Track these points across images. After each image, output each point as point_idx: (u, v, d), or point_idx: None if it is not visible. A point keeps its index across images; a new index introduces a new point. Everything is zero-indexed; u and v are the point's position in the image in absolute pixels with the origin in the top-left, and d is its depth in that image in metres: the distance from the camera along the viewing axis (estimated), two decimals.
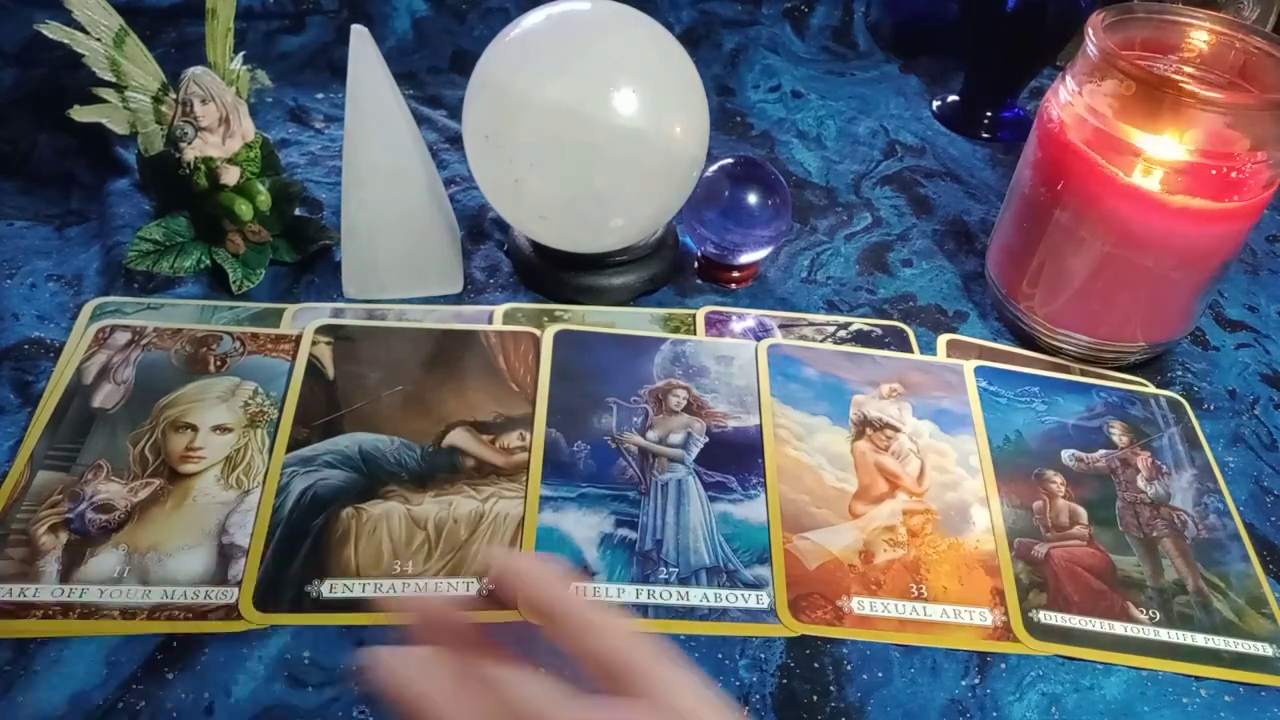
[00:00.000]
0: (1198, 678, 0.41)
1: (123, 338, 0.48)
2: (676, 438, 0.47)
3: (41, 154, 0.61)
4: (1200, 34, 0.51)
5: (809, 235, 0.63)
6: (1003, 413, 0.51)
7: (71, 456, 0.43)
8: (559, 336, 0.51)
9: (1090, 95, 0.49)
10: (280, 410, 0.46)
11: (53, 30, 0.48)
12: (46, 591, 0.38)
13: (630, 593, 0.41)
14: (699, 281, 0.58)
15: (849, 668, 0.39)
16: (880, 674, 0.39)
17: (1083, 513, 0.46)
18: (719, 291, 0.57)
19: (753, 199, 0.54)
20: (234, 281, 0.52)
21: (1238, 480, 0.49)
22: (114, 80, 0.50)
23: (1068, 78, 0.50)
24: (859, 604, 0.41)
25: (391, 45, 0.73)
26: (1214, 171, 0.46)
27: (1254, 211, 0.48)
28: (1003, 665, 0.40)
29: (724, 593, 0.41)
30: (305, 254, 0.55)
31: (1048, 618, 0.42)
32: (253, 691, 0.36)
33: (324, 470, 0.43)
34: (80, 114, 0.50)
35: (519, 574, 0.28)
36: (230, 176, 0.51)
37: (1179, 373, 0.56)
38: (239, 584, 0.39)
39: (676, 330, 0.53)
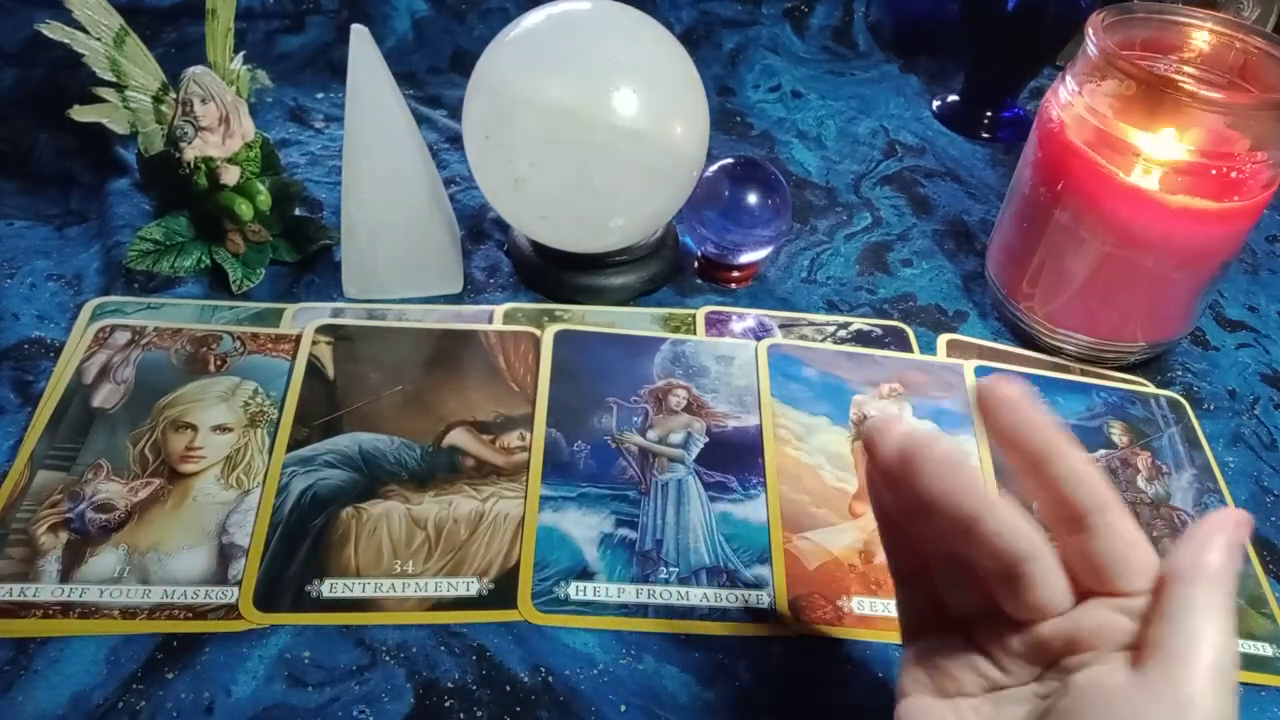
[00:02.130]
0: None
1: (123, 337, 0.48)
2: (676, 438, 0.47)
3: (41, 154, 0.61)
4: (1200, 34, 0.51)
5: (809, 235, 0.63)
6: None
7: (71, 456, 0.43)
8: (559, 336, 0.51)
9: (1090, 95, 0.49)
10: (280, 410, 0.46)
11: (53, 30, 0.48)
12: (46, 591, 0.38)
13: (630, 592, 0.41)
14: (699, 281, 0.58)
15: (849, 668, 0.39)
16: (880, 674, 0.39)
17: None
18: (719, 291, 0.57)
19: (753, 199, 0.54)
20: (234, 281, 0.52)
21: (1238, 480, 0.49)
22: (114, 80, 0.50)
23: (1068, 78, 0.50)
24: (859, 604, 0.41)
25: (391, 45, 0.73)
26: (1214, 171, 0.46)
27: (1254, 211, 0.48)
28: None
29: (724, 593, 0.41)
30: (305, 254, 0.55)
31: None
32: (253, 691, 0.36)
33: (324, 470, 0.43)
34: (80, 114, 0.50)
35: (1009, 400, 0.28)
36: (230, 176, 0.51)
37: (1179, 373, 0.56)
38: (239, 584, 0.39)
39: (676, 330, 0.53)
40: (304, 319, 0.51)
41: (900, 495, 0.30)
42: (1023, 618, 0.28)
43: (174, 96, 0.50)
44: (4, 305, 0.50)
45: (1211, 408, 0.54)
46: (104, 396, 0.46)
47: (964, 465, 0.28)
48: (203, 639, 0.37)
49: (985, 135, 0.75)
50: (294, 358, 0.48)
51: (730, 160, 0.55)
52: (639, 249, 0.55)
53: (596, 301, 0.55)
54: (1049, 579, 0.27)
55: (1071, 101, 0.49)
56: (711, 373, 0.51)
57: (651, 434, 0.47)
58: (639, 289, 0.56)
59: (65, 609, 0.37)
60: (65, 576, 0.38)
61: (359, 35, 0.47)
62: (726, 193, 0.54)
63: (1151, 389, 0.54)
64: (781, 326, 0.55)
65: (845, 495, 0.46)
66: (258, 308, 0.52)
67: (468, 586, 0.40)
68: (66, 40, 0.49)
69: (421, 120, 0.68)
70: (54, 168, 0.60)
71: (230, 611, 0.38)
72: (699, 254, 0.58)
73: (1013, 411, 0.28)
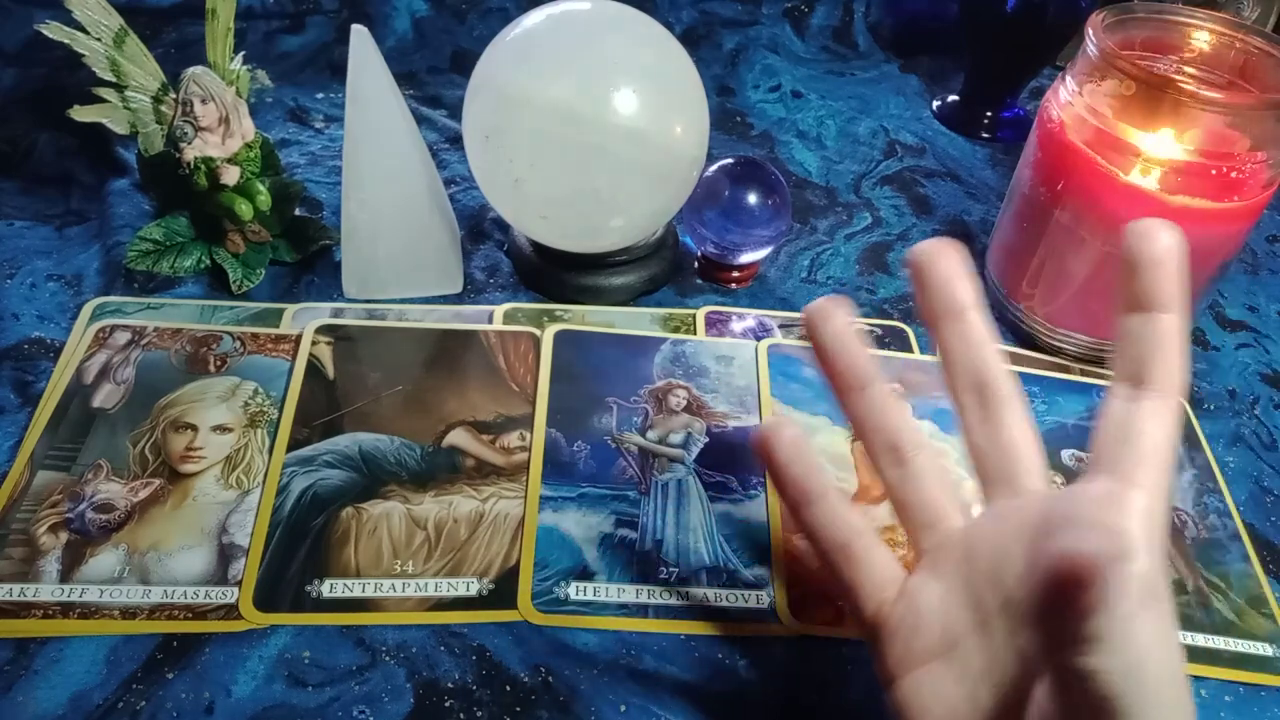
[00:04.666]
0: (1198, 678, 0.41)
1: (123, 337, 0.48)
2: (676, 438, 0.47)
3: (41, 154, 0.61)
4: (1200, 34, 0.51)
5: (809, 235, 0.63)
6: None
7: (71, 456, 0.43)
8: (559, 336, 0.51)
9: (1090, 95, 0.49)
10: (280, 410, 0.46)
11: (53, 30, 0.48)
12: (46, 591, 0.38)
13: (630, 593, 0.41)
14: (699, 281, 0.58)
15: (849, 668, 0.39)
16: None
17: None
18: (719, 291, 0.57)
19: (753, 199, 0.54)
20: (234, 281, 0.52)
21: (1238, 480, 0.49)
22: (114, 80, 0.50)
23: (1068, 78, 0.50)
24: None
25: (391, 45, 0.73)
26: (1214, 171, 0.46)
27: (1254, 211, 0.48)
28: None
29: (724, 593, 0.41)
30: (305, 254, 0.55)
31: None
32: (253, 691, 0.36)
33: (324, 470, 0.43)
34: (80, 114, 0.50)
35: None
36: (230, 176, 0.51)
37: None
38: (239, 584, 0.39)
39: (676, 330, 0.53)
40: (304, 319, 0.51)
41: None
42: (848, 599, 0.32)
43: (174, 96, 0.50)
44: (4, 305, 0.50)
45: (1211, 408, 0.54)
46: (104, 396, 0.46)
47: (811, 457, 0.32)
48: (203, 639, 0.37)
49: (985, 135, 0.75)
50: (294, 358, 0.48)
51: (730, 160, 0.55)
52: (639, 249, 0.55)
53: (596, 301, 0.55)
54: (875, 555, 0.31)
55: (1071, 101, 0.49)
56: (711, 373, 0.51)
57: (651, 434, 0.47)
58: (639, 289, 0.56)
59: (65, 609, 0.37)
60: (65, 576, 0.38)
61: (359, 35, 0.47)
62: (726, 193, 0.54)
63: None
64: (781, 326, 0.55)
65: (845, 495, 0.46)
66: (258, 308, 0.52)
67: (468, 586, 0.40)
68: (66, 40, 0.49)
69: (421, 120, 0.68)
70: (54, 168, 0.60)
71: (230, 611, 0.38)
72: (699, 254, 0.58)
73: (828, 324, 0.32)
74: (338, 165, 0.54)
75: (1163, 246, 0.29)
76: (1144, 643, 0.23)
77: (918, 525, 0.32)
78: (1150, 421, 0.27)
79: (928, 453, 0.32)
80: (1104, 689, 0.23)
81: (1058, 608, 0.23)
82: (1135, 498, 0.26)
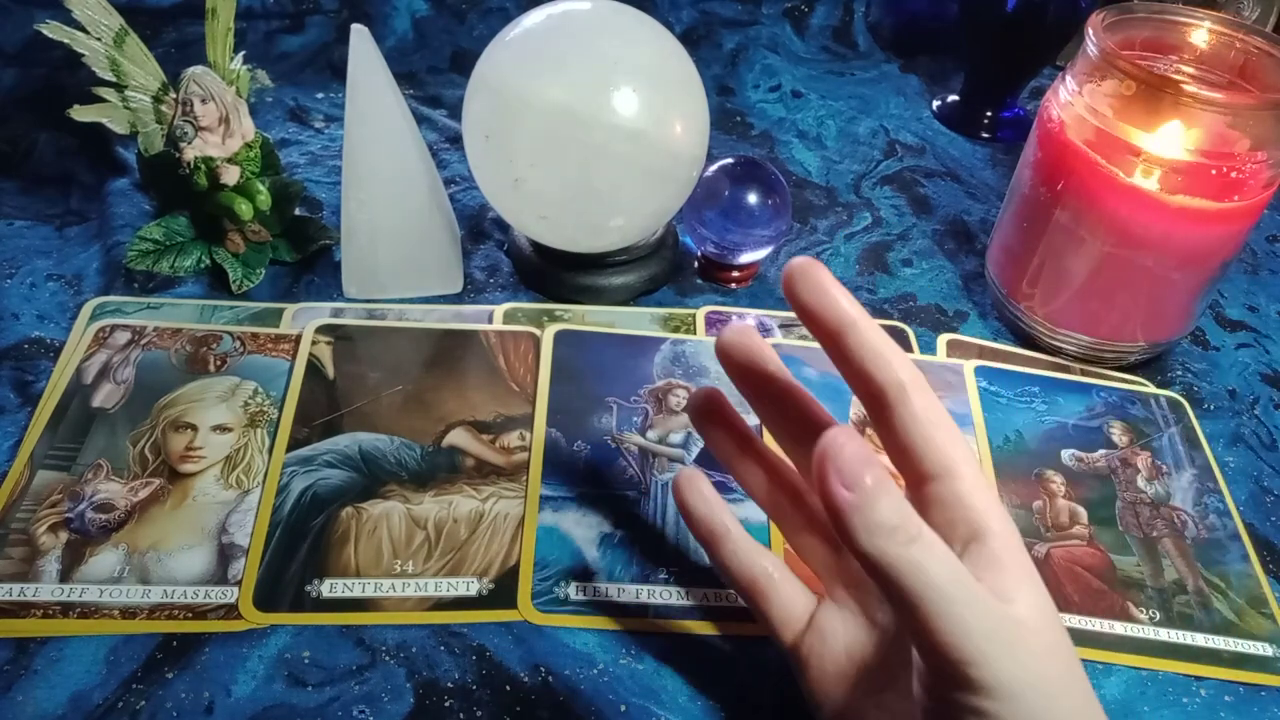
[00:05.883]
0: (1198, 678, 0.41)
1: (123, 337, 0.48)
2: (676, 438, 0.47)
3: (41, 154, 0.61)
4: (1200, 34, 0.51)
5: (809, 235, 0.63)
6: (1003, 413, 0.51)
7: (71, 456, 0.43)
8: (559, 336, 0.51)
9: (1090, 95, 0.49)
10: (280, 410, 0.46)
11: (53, 30, 0.48)
12: (46, 591, 0.38)
13: (630, 592, 0.41)
14: (699, 281, 0.58)
15: None
16: None
17: (1083, 513, 0.46)
18: (719, 291, 0.57)
19: (753, 199, 0.54)
20: (234, 281, 0.52)
21: (1238, 480, 0.49)
22: (114, 80, 0.50)
23: (1068, 78, 0.50)
24: None
25: (391, 45, 0.74)
26: (1214, 171, 0.46)
27: (1254, 211, 0.48)
28: None
29: (724, 593, 0.41)
30: (305, 254, 0.55)
31: None
32: (253, 691, 0.36)
33: (324, 470, 0.43)
34: (80, 114, 0.50)
35: (818, 282, 0.28)
36: (230, 176, 0.51)
37: (1179, 373, 0.56)
38: (239, 583, 0.39)
39: (676, 330, 0.53)
40: (304, 319, 0.51)
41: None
42: (768, 631, 0.35)
43: (174, 96, 0.50)
44: (4, 305, 0.50)
45: (1211, 408, 0.54)
46: (104, 396, 0.46)
47: (716, 500, 0.36)
48: (203, 639, 0.37)
49: (985, 135, 0.75)
50: (294, 358, 0.48)
51: (730, 160, 0.55)
52: (639, 249, 0.55)
53: (596, 301, 0.55)
54: (782, 590, 0.34)
55: (1071, 101, 0.49)
56: (711, 373, 0.51)
57: (651, 434, 0.47)
58: (639, 289, 0.56)
59: (65, 609, 0.37)
60: (65, 576, 0.38)
61: (359, 35, 0.47)
62: (726, 193, 0.54)
63: (1151, 389, 0.54)
64: (781, 326, 0.55)
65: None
66: (258, 308, 0.52)
67: (468, 586, 0.40)
68: (66, 40, 0.49)
69: (421, 120, 0.68)
70: (54, 168, 0.60)
71: (230, 611, 0.38)
72: (699, 254, 0.58)
73: (814, 289, 0.28)
74: (338, 165, 0.54)
75: (815, 286, 0.28)
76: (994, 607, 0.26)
77: (814, 561, 0.35)
78: (929, 414, 0.28)
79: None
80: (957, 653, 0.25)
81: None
82: (939, 489, 0.28)
